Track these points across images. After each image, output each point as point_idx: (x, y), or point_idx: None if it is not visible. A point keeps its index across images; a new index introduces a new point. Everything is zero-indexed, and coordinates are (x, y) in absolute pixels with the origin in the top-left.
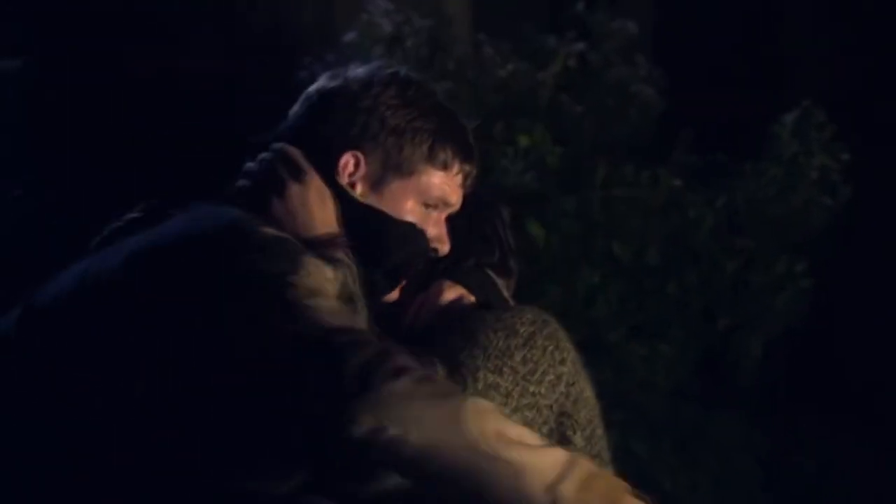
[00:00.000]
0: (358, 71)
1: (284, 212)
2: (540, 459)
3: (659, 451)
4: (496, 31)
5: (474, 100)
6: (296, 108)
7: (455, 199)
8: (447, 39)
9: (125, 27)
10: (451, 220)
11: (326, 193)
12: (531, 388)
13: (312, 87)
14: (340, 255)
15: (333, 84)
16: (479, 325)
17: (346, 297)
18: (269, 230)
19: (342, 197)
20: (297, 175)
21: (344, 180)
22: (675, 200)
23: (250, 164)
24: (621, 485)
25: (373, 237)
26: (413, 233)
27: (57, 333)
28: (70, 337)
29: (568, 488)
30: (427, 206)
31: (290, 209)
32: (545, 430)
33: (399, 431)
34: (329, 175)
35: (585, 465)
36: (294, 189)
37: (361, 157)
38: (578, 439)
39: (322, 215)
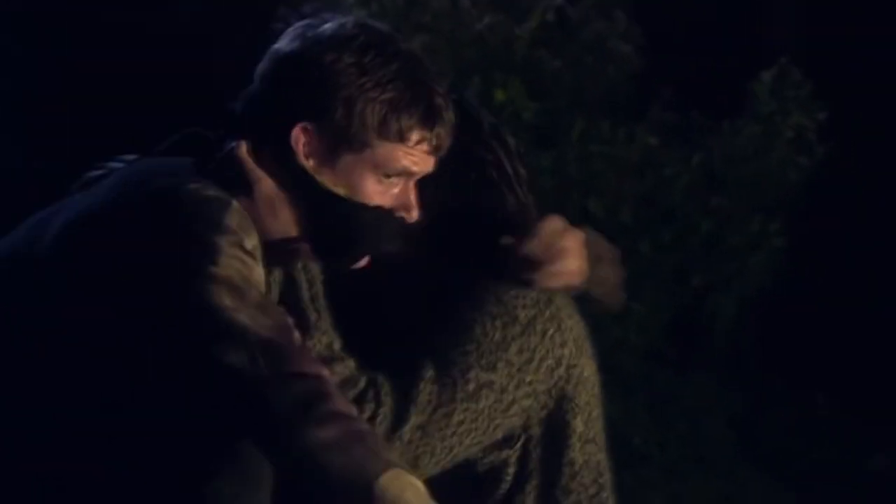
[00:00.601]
0: (318, 31)
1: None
2: None
3: (631, 410)
4: None
5: (450, 53)
6: (260, 68)
7: (419, 167)
8: None
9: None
10: (444, 171)
11: (278, 199)
12: (528, 378)
13: (274, 47)
14: (298, 265)
15: (291, 47)
16: (475, 315)
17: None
18: (196, 194)
19: (301, 181)
20: (246, 187)
21: (299, 151)
22: (650, 158)
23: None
24: None
25: (338, 229)
26: (380, 220)
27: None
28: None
29: None
30: (387, 176)
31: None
32: (543, 414)
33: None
34: (285, 151)
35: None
36: (243, 201)
37: (311, 128)
38: (578, 423)
39: (275, 226)
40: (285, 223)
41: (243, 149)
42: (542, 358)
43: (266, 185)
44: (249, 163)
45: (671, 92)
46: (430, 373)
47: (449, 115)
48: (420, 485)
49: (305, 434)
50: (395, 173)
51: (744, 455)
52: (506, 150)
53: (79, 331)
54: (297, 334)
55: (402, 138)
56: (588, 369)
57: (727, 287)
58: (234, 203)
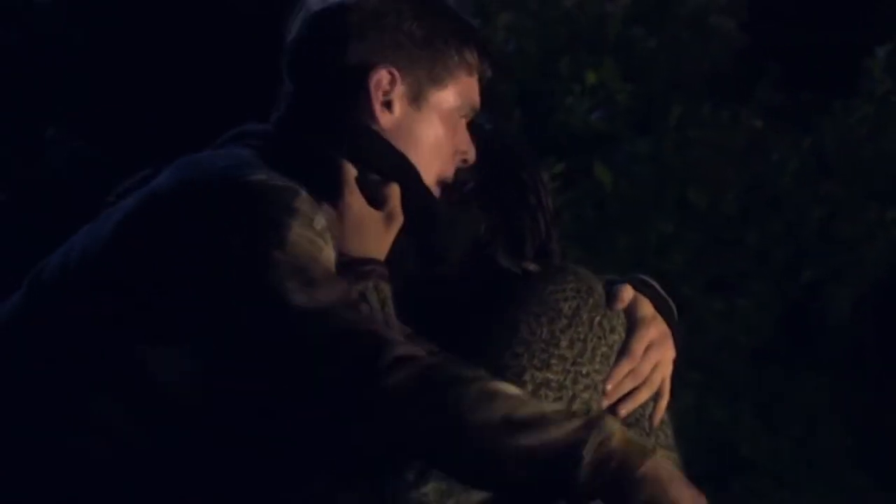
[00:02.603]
0: None
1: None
2: (554, 435)
3: (738, 415)
4: None
5: (538, 32)
6: (297, 34)
7: (479, 102)
8: None
9: None
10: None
11: (368, 216)
12: (584, 370)
13: (314, 9)
14: (370, 284)
15: (334, 4)
16: (518, 314)
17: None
18: (263, 183)
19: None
20: (335, 197)
21: (378, 100)
22: (756, 142)
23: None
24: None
25: (423, 226)
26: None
27: (58, 309)
28: (71, 313)
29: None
30: (461, 115)
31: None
32: (605, 404)
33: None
34: (361, 109)
35: (608, 426)
36: (329, 212)
37: (396, 72)
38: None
39: (355, 243)
40: (367, 241)
41: (345, 165)
42: (595, 347)
43: (356, 199)
44: (348, 171)
45: (778, 70)
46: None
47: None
48: (510, 388)
49: (378, 384)
50: (467, 110)
51: (860, 463)
52: (542, 180)
53: (141, 325)
54: (363, 307)
55: (471, 70)
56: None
57: (841, 280)
58: (303, 192)
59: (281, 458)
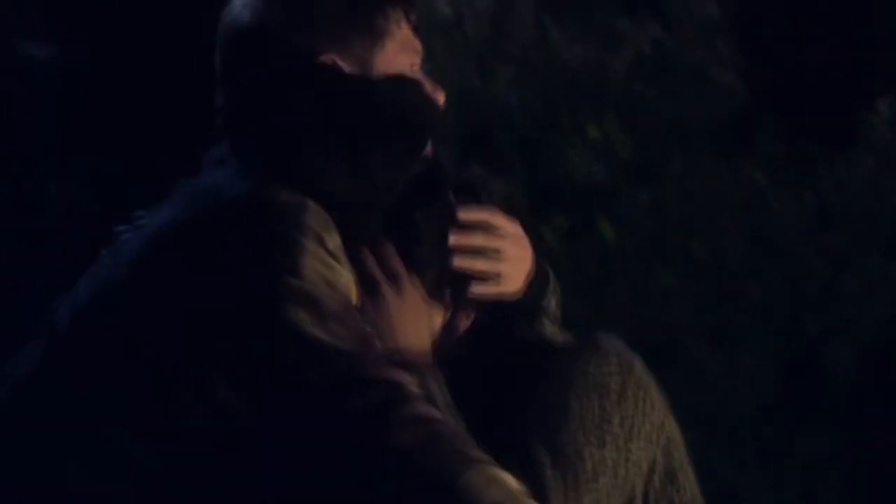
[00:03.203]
0: None
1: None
2: None
3: (742, 468)
4: (563, 14)
5: (539, 86)
6: (225, 56)
7: (419, 45)
8: (510, 23)
9: (166, 10)
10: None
11: (420, 309)
12: (632, 448)
13: (229, 26)
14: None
15: (255, 5)
16: (568, 392)
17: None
18: (270, 198)
19: (348, 85)
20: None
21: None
22: (757, 195)
23: None
24: None
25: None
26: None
27: (75, 357)
28: (87, 359)
29: None
30: (411, 65)
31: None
32: (642, 485)
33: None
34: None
35: None
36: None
37: (336, 57)
38: (679, 488)
39: (407, 340)
40: (419, 336)
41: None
42: (640, 426)
43: (409, 290)
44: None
45: (779, 123)
46: (546, 458)
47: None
48: (508, 479)
49: (386, 440)
50: (416, 53)
51: None
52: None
53: (154, 353)
54: (376, 341)
55: (399, 21)
56: (675, 430)
57: (844, 334)
58: (311, 203)
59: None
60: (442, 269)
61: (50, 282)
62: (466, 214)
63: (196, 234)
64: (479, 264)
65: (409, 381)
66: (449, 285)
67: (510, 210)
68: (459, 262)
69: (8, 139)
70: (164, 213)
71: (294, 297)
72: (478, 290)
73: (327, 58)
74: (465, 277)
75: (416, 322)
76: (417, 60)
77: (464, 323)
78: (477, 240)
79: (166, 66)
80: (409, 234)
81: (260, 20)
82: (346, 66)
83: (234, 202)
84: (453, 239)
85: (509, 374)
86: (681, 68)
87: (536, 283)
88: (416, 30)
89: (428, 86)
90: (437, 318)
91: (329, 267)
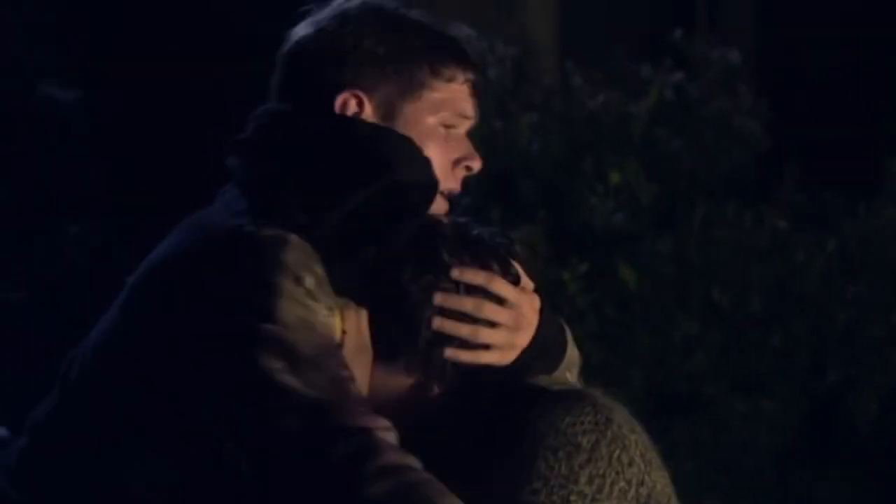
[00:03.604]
0: (324, 13)
1: None
2: None
3: None
4: (586, 60)
5: (562, 133)
6: (276, 75)
7: (470, 109)
8: (533, 68)
9: (185, 54)
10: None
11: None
12: None
13: (284, 48)
14: None
15: (304, 33)
16: (536, 450)
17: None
18: (253, 235)
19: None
20: None
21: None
22: (780, 243)
23: None
24: None
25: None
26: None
27: (83, 404)
28: (93, 406)
29: None
30: (447, 126)
31: None
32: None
33: None
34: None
35: None
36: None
37: (362, 94)
38: None
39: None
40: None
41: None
42: (613, 482)
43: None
44: None
45: (801, 171)
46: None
47: (477, 60)
48: None
49: (358, 492)
50: (457, 115)
51: None
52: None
53: (141, 392)
54: (353, 386)
55: (451, 77)
56: (660, 482)
57: (867, 382)
58: (293, 237)
59: None
60: (421, 331)
61: (72, 326)
62: (462, 276)
63: (180, 269)
64: (461, 329)
65: (383, 427)
66: (429, 349)
67: (529, 261)
68: (439, 324)
69: (31, 182)
70: (161, 247)
71: (267, 344)
72: (454, 354)
73: (349, 93)
74: (444, 340)
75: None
76: (456, 123)
77: (433, 392)
78: (466, 304)
79: (190, 109)
80: (393, 292)
81: (302, 44)
82: (366, 108)
83: (216, 238)
84: (439, 298)
85: (489, 425)
86: (703, 115)
87: (533, 355)
88: (475, 94)
89: (461, 154)
90: (403, 380)
91: (305, 307)
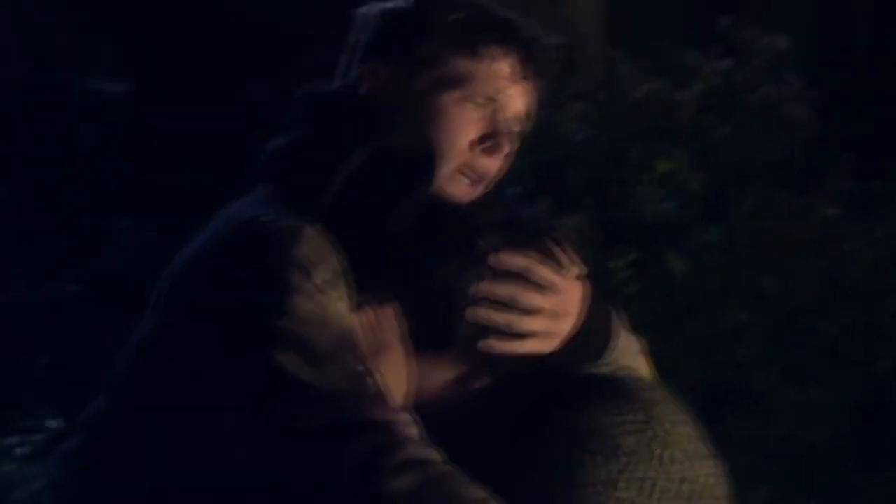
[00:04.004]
0: None
1: None
2: None
3: None
4: (632, 48)
5: (608, 122)
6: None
7: (502, 94)
8: (579, 58)
9: (231, 48)
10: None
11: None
12: None
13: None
14: None
15: (367, 10)
16: (575, 454)
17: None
18: (268, 226)
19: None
20: None
21: (369, 90)
22: (830, 231)
23: None
24: None
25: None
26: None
27: (130, 403)
28: (140, 405)
29: None
30: (468, 100)
31: None
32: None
33: None
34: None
35: None
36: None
37: (381, 65)
38: None
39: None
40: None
41: None
42: (654, 483)
43: None
44: None
45: (851, 159)
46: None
47: (540, 48)
48: None
49: (380, 487)
50: (476, 94)
51: None
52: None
53: (168, 383)
54: (371, 378)
55: (476, 53)
56: (703, 474)
57: None
58: (307, 230)
59: None
60: (459, 322)
61: (125, 319)
62: (499, 262)
63: (205, 263)
64: (496, 318)
65: (404, 421)
66: (468, 341)
67: (579, 250)
68: (473, 314)
69: (79, 175)
70: (193, 241)
71: (281, 340)
72: (489, 346)
73: (369, 67)
74: (482, 331)
75: (396, 384)
76: (479, 100)
77: (474, 384)
78: (501, 291)
79: (237, 101)
80: (427, 283)
81: (359, 16)
82: (382, 77)
83: (235, 231)
84: (473, 287)
85: (528, 418)
86: (751, 103)
87: (579, 344)
88: (522, 78)
89: (479, 130)
90: (446, 374)
91: (317, 302)
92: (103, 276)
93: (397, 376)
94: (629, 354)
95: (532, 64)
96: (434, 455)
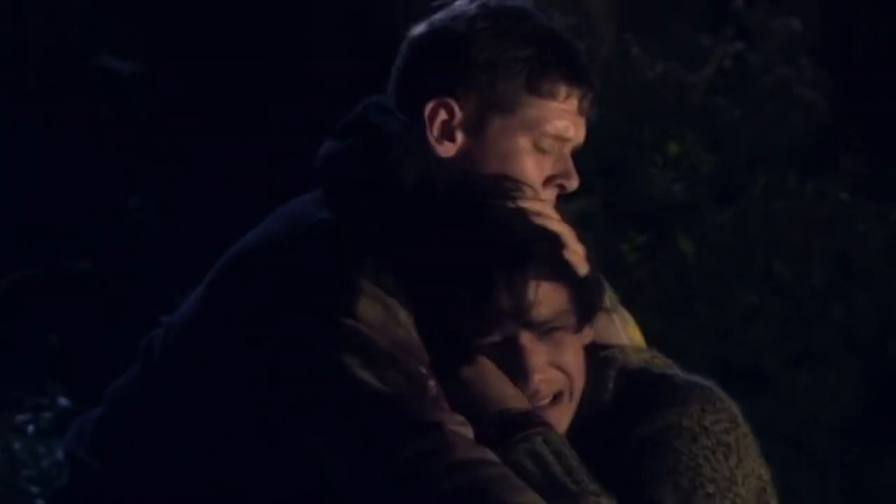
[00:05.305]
0: (444, 11)
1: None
2: None
3: (825, 492)
4: (644, 30)
5: (621, 103)
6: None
7: (573, 131)
8: (591, 39)
9: (244, 29)
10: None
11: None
12: None
13: (406, 40)
14: (538, 439)
15: (420, 30)
16: (693, 450)
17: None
18: (332, 232)
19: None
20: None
21: (434, 133)
22: (842, 214)
23: None
24: None
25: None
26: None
27: (169, 382)
28: (179, 384)
29: None
30: (540, 146)
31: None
32: None
33: None
34: (418, 142)
35: None
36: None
37: (454, 102)
38: None
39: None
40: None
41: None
42: (747, 476)
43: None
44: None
45: (863, 142)
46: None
47: (596, 80)
48: None
49: (430, 487)
50: (550, 135)
51: None
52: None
53: (216, 377)
54: (430, 381)
55: (552, 95)
56: (765, 472)
57: None
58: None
59: None
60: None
61: (133, 295)
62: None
63: (268, 258)
64: (565, 250)
65: (458, 422)
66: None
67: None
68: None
69: (93, 155)
70: (253, 232)
71: (345, 340)
72: (576, 270)
73: (438, 102)
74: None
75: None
76: (549, 144)
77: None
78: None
79: (250, 82)
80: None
81: (412, 43)
82: (456, 117)
83: (303, 231)
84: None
85: (613, 414)
86: (763, 85)
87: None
88: (582, 111)
89: (550, 170)
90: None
91: (385, 305)
92: (115, 254)
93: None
94: (630, 325)
95: (592, 95)
96: (488, 456)
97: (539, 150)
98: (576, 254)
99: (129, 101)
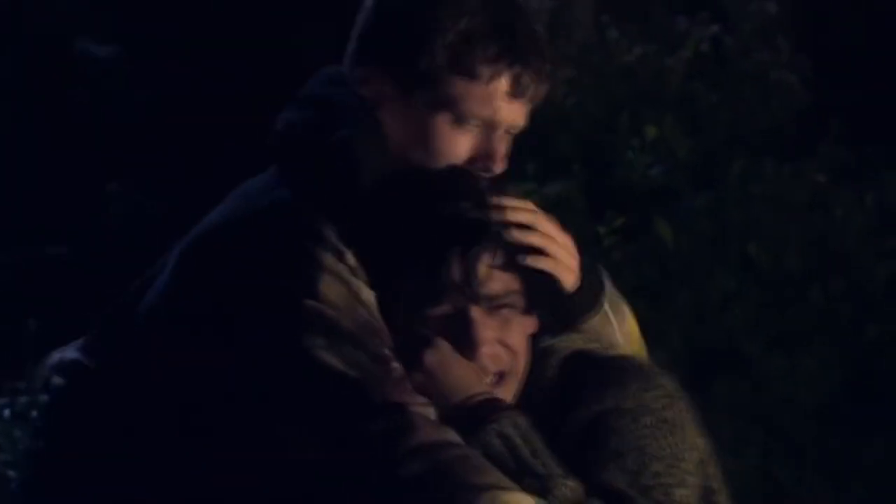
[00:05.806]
0: None
1: None
2: None
3: (802, 475)
4: (621, 13)
5: (598, 87)
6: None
7: (499, 113)
8: (568, 22)
9: (229, 11)
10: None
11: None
12: (696, 482)
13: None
14: (504, 422)
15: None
16: (636, 429)
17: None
18: (291, 210)
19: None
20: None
21: (367, 96)
22: (819, 198)
23: None
24: None
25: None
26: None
27: (134, 358)
28: (144, 361)
29: None
30: (461, 125)
31: None
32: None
33: None
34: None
35: None
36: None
37: (383, 70)
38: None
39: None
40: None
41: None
42: (690, 451)
43: None
44: None
45: (841, 125)
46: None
47: (540, 61)
48: (523, 499)
49: (392, 471)
50: (471, 116)
51: None
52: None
53: (178, 361)
54: (394, 363)
55: (472, 75)
56: (705, 444)
57: None
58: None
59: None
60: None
61: (111, 281)
62: (511, 212)
63: (227, 239)
64: (532, 238)
65: (421, 402)
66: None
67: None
68: (509, 234)
69: (70, 139)
70: (210, 215)
71: (308, 320)
72: (531, 261)
73: (369, 70)
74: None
75: (462, 370)
76: (467, 123)
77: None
78: (524, 216)
79: (229, 65)
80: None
81: (362, 12)
82: (385, 87)
83: (261, 210)
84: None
85: (556, 402)
86: (740, 69)
87: (582, 288)
88: (514, 93)
89: (469, 152)
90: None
91: (348, 283)
92: (93, 239)
93: None
94: (628, 319)
95: (529, 77)
96: (452, 437)
97: (460, 129)
98: (555, 245)
99: (107, 85)
